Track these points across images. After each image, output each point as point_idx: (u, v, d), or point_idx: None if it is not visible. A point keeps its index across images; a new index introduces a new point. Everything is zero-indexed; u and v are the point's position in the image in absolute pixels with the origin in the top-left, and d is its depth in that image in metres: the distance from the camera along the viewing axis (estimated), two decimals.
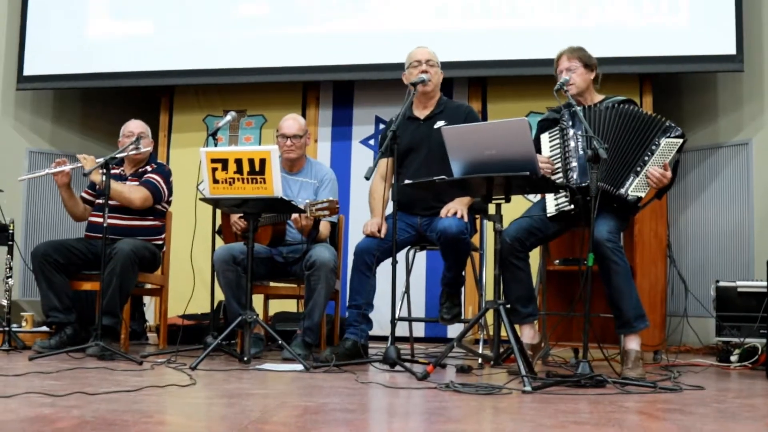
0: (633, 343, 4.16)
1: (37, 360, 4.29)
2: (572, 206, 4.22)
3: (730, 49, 6.27)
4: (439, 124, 4.63)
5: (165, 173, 5.35)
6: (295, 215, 4.72)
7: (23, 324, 5.37)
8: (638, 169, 4.16)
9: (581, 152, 4.23)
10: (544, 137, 4.44)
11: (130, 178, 5.30)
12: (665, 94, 6.85)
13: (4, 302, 5.09)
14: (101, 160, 4.68)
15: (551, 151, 4.37)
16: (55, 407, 2.61)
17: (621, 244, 4.14)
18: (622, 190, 4.16)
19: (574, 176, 4.23)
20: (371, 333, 4.80)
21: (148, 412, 2.64)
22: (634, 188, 4.15)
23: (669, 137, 4.16)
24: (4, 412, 2.50)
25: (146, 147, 5.30)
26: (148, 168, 5.34)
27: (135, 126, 5.39)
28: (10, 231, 5.25)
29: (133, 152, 5.14)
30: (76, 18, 7.50)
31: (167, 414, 2.77)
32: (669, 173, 4.15)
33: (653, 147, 4.16)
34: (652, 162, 4.14)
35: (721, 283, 5.31)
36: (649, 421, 2.77)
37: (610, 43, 6.37)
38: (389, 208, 4.54)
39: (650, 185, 4.15)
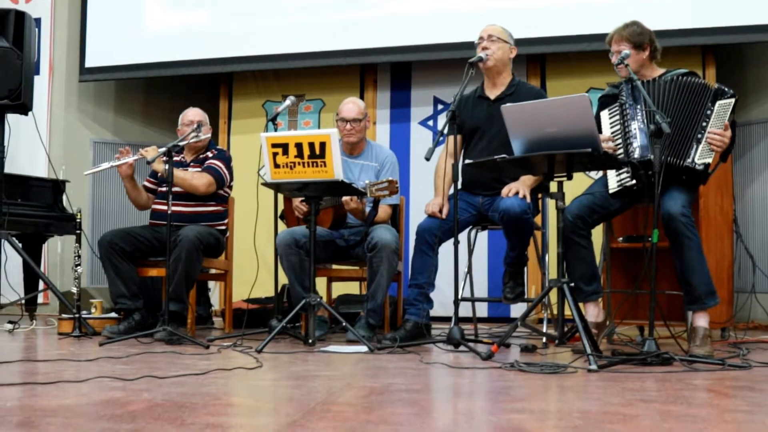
0: (701, 320, 4.09)
1: (107, 345, 4.37)
2: (634, 181, 4.17)
3: None
4: None
5: (226, 159, 5.41)
6: (345, 198, 4.73)
7: (92, 311, 5.48)
8: (699, 136, 4.12)
9: (642, 126, 4.19)
10: (604, 114, 4.39)
11: (192, 164, 5.37)
12: (729, 65, 6.71)
13: (74, 290, 5.20)
14: (163, 149, 4.74)
15: (611, 127, 4.32)
16: (126, 391, 2.66)
17: (693, 218, 4.07)
18: (689, 160, 4.10)
19: (636, 152, 4.17)
20: (434, 314, 4.80)
21: (217, 394, 2.67)
22: (700, 155, 4.09)
23: (721, 99, 4.12)
24: (78, 395, 2.56)
25: (206, 134, 5.36)
26: (209, 154, 5.39)
27: (193, 114, 5.45)
28: (78, 220, 5.35)
29: (194, 140, 5.20)
30: (135, 9, 7.61)
31: (235, 396, 2.81)
32: (729, 132, 4.10)
33: (708, 112, 4.13)
34: (710, 126, 4.10)
35: None
36: (719, 398, 2.74)
37: (671, 14, 6.25)
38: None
39: (713, 149, 4.09)
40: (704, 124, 4.12)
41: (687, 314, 4.28)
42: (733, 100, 4.12)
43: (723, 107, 4.11)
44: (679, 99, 4.18)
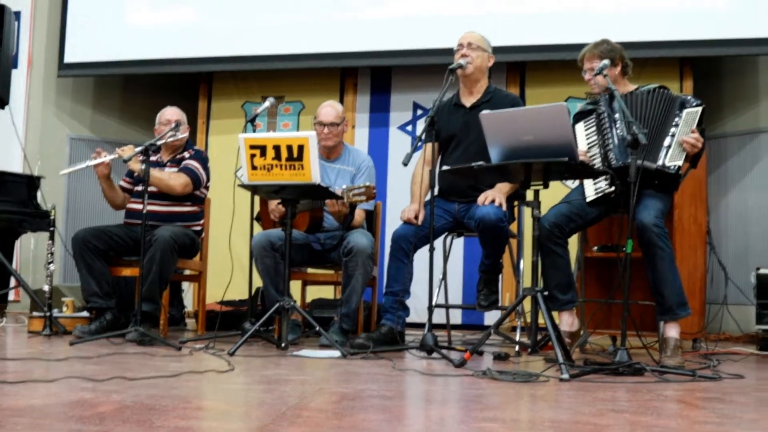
0: (672, 331, 4.13)
1: (78, 345, 4.33)
2: (612, 188, 4.20)
3: None
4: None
5: (203, 159, 5.39)
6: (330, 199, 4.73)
7: (64, 309, 5.43)
8: (668, 141, 4.18)
9: (619, 133, 4.22)
10: (579, 126, 4.43)
11: (168, 164, 5.34)
12: (705, 78, 6.76)
13: (46, 287, 5.15)
14: (140, 148, 4.71)
15: (587, 138, 4.36)
16: (96, 392, 2.64)
17: (666, 229, 4.11)
18: (660, 162, 4.15)
19: (614, 160, 4.21)
20: (408, 320, 4.80)
21: (187, 397, 2.66)
22: (670, 158, 4.15)
23: (688, 108, 4.20)
24: (47, 395, 2.54)
25: (183, 134, 5.34)
26: (186, 154, 5.37)
27: (171, 113, 5.43)
28: (52, 217, 5.31)
29: (171, 139, 5.17)
30: (117, 5, 7.58)
31: (206, 399, 2.79)
32: (701, 137, 4.15)
33: (676, 120, 4.20)
34: (680, 132, 4.16)
35: (762, 270, 5.24)
36: (688, 409, 2.75)
37: (649, 26, 6.30)
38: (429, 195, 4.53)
39: (686, 150, 4.14)
40: (673, 130, 4.19)
41: (659, 324, 4.31)
42: (699, 109, 4.20)
43: (690, 115, 4.18)
44: (651, 109, 4.25)
